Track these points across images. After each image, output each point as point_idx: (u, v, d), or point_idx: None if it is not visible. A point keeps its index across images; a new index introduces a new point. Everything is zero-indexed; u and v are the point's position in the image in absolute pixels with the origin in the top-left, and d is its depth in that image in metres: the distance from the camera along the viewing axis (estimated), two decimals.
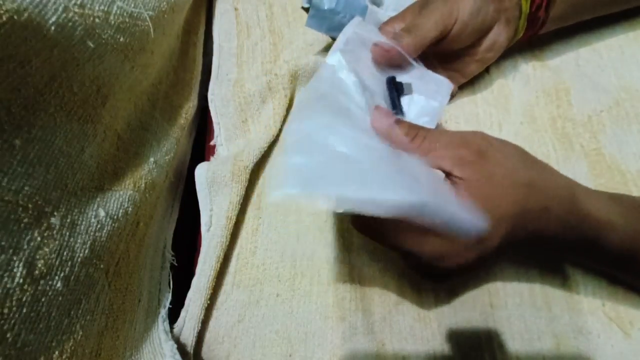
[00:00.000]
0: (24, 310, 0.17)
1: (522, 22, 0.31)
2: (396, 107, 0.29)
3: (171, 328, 0.28)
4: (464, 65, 0.34)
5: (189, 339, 0.28)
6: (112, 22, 0.21)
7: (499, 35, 0.31)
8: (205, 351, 0.29)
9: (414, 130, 0.22)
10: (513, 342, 0.28)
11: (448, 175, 0.22)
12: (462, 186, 0.21)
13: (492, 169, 0.21)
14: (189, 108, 0.36)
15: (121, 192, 0.25)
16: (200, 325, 0.28)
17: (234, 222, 0.31)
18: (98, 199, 0.23)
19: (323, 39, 0.40)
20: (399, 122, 0.23)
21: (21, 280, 0.17)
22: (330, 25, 0.34)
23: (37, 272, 0.18)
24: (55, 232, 0.19)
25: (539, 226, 0.21)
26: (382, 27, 0.31)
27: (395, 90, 0.29)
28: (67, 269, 0.20)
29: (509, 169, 0.21)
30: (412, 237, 0.20)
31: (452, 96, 0.31)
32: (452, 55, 0.33)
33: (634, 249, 0.24)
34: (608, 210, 0.23)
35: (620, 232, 0.23)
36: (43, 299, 0.18)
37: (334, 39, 0.37)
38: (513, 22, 0.31)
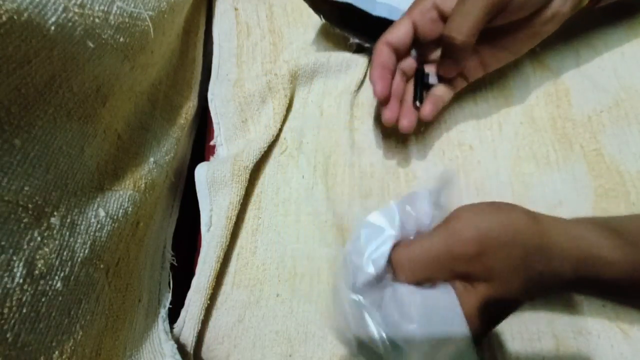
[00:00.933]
0: (24, 310, 0.17)
1: None
2: (416, 97, 0.31)
3: (171, 328, 0.28)
4: (516, 41, 0.29)
5: (189, 339, 0.28)
6: (112, 22, 0.21)
7: (563, 4, 0.27)
8: (205, 351, 0.29)
9: None
10: (513, 342, 0.28)
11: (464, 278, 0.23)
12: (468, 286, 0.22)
13: (492, 264, 0.22)
14: (189, 108, 0.36)
15: (121, 192, 0.25)
16: (200, 325, 0.28)
17: (234, 222, 0.31)
18: (98, 199, 0.23)
19: (323, 38, 0.40)
20: None
21: (21, 280, 0.17)
22: None
23: (37, 272, 0.18)
24: (55, 232, 0.19)
25: (546, 275, 0.22)
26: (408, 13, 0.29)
27: (421, 83, 0.31)
28: (67, 269, 0.20)
29: (505, 255, 0.21)
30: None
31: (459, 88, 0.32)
32: (501, 30, 0.28)
33: (636, 280, 0.22)
34: (601, 242, 0.22)
35: (619, 267, 0.22)
36: (43, 299, 0.18)
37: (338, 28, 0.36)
38: None
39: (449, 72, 0.30)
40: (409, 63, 0.32)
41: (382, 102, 0.31)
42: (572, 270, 0.22)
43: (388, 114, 0.31)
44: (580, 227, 0.23)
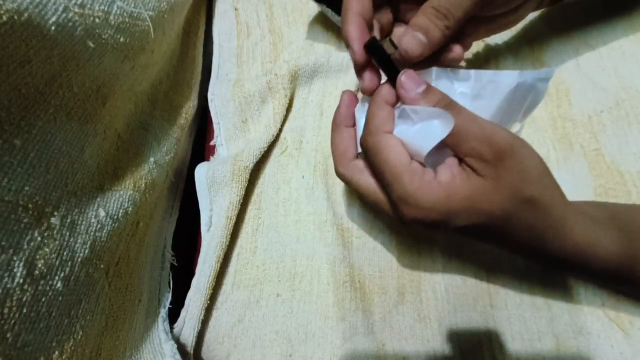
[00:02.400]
0: (24, 310, 0.17)
1: None
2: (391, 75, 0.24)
3: (171, 328, 0.28)
4: (475, 30, 0.27)
5: (189, 339, 0.28)
6: (112, 22, 0.21)
7: None
8: (205, 351, 0.29)
9: (446, 100, 0.22)
10: (513, 342, 0.28)
11: (461, 159, 0.22)
12: (469, 174, 0.22)
13: (502, 174, 0.21)
14: (189, 108, 0.36)
15: (121, 192, 0.25)
16: (200, 325, 0.28)
17: (234, 222, 0.31)
18: (98, 199, 0.23)
19: (323, 38, 0.40)
20: (429, 89, 0.23)
21: (21, 280, 0.17)
22: None
23: (37, 272, 0.18)
24: (55, 232, 0.19)
25: (517, 237, 0.22)
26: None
27: (382, 55, 0.23)
28: (67, 269, 0.20)
29: (517, 180, 0.21)
30: (393, 173, 0.22)
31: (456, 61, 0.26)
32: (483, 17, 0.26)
33: (623, 270, 0.24)
34: (600, 237, 0.23)
35: (609, 257, 0.23)
36: (43, 299, 0.18)
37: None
38: None
39: (416, 48, 0.23)
40: (388, 17, 0.26)
41: (360, 68, 0.25)
42: (561, 248, 0.23)
43: (369, 81, 0.25)
44: (588, 215, 0.24)
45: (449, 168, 0.22)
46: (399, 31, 0.27)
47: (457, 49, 0.25)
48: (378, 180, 0.25)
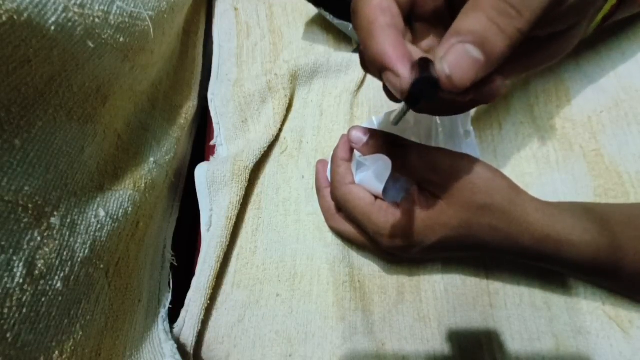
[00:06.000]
0: (24, 310, 0.17)
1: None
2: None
3: (171, 328, 0.28)
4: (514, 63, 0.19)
5: (189, 339, 0.28)
6: (112, 22, 0.21)
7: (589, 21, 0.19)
8: (205, 351, 0.29)
9: (389, 139, 0.25)
10: (513, 342, 0.28)
11: (419, 186, 0.25)
12: (427, 197, 0.25)
13: (451, 190, 0.23)
14: (189, 108, 0.36)
15: (121, 192, 0.25)
16: (200, 325, 0.28)
17: (234, 222, 0.31)
18: (98, 199, 0.23)
19: (323, 39, 0.40)
20: (374, 135, 0.25)
21: (21, 280, 0.17)
22: None
23: (37, 272, 0.18)
24: (55, 232, 0.19)
25: (486, 240, 0.24)
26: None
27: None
28: (67, 269, 0.20)
29: (466, 192, 0.23)
30: (362, 215, 0.26)
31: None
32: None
33: (603, 261, 0.24)
34: (571, 230, 0.24)
35: (581, 249, 0.24)
36: (43, 299, 0.18)
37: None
38: None
39: (466, 72, 0.15)
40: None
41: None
42: (532, 241, 0.24)
43: None
44: (558, 208, 0.25)
45: (410, 196, 0.25)
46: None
47: (498, 80, 0.17)
48: (354, 224, 0.29)
